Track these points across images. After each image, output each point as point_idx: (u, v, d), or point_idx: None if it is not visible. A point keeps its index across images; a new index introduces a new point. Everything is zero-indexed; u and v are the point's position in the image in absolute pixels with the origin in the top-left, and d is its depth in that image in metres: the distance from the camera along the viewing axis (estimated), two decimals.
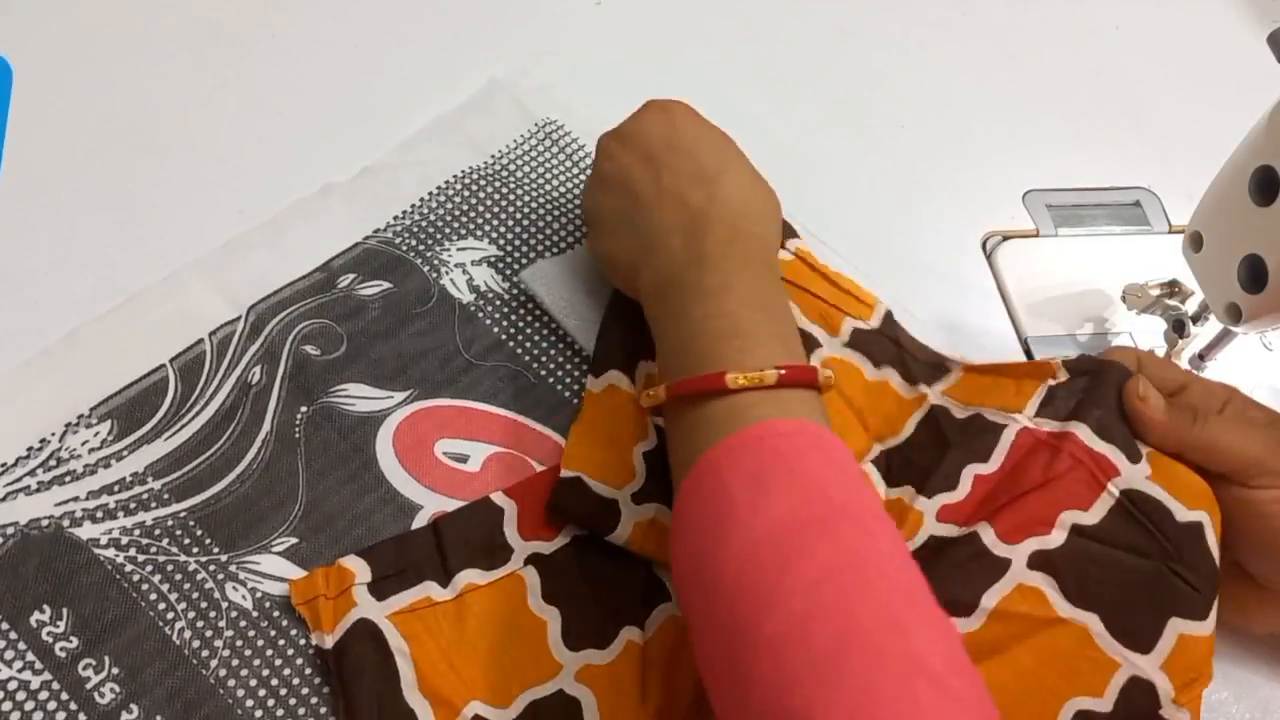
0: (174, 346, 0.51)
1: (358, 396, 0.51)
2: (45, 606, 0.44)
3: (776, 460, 0.38)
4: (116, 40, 0.65)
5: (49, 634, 0.44)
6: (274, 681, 0.44)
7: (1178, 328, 0.55)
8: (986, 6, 0.75)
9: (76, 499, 0.47)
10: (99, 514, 0.47)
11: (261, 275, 0.54)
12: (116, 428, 0.49)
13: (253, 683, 0.44)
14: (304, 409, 0.50)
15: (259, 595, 0.46)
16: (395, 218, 0.57)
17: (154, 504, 0.47)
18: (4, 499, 0.46)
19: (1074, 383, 0.48)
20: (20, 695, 0.43)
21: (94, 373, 0.50)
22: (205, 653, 0.44)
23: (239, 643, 0.45)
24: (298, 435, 0.50)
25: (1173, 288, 0.55)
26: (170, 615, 0.45)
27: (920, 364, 0.53)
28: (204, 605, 0.45)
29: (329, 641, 0.44)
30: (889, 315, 0.54)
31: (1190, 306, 0.55)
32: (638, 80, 0.67)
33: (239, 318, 0.52)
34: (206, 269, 0.54)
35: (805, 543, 0.36)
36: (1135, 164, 0.67)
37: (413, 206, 0.58)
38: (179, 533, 0.47)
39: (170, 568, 0.46)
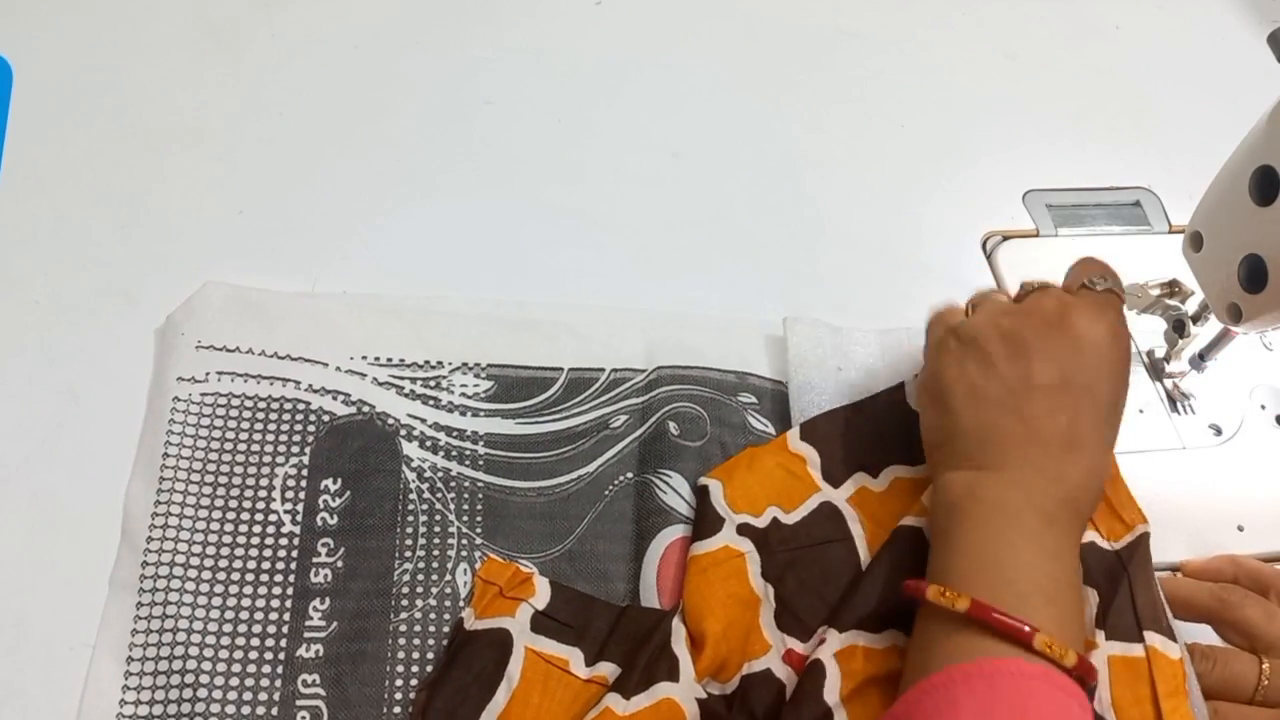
0: (581, 360, 0.54)
1: (671, 488, 0.51)
2: (339, 479, 0.49)
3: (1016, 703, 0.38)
4: (116, 40, 0.65)
5: (324, 501, 0.49)
6: (417, 669, 0.46)
7: (1178, 328, 0.55)
8: (986, 6, 0.75)
9: (424, 420, 0.52)
10: (428, 443, 0.51)
11: (687, 350, 0.55)
12: (495, 390, 0.53)
13: (414, 668, 0.46)
14: (629, 475, 0.51)
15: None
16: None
17: (466, 463, 0.51)
18: (381, 384, 0.52)
19: None
20: (270, 530, 0.48)
21: (510, 340, 0.55)
22: (404, 602, 0.47)
23: (431, 617, 0.47)
24: (607, 493, 0.51)
25: (1173, 288, 0.55)
26: (407, 552, 0.48)
27: None
28: (435, 565, 0.48)
29: (470, 623, 0.46)
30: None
31: (1190, 306, 0.55)
32: (638, 80, 0.68)
33: (645, 371, 0.54)
34: (654, 319, 0.56)
35: None
36: (1135, 164, 0.67)
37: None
38: (465, 496, 0.50)
39: (438, 517, 0.49)
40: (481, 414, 0.52)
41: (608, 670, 0.45)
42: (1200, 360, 0.56)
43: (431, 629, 0.46)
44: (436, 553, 0.48)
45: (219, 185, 0.59)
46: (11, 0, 0.66)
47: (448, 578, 0.48)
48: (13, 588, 0.46)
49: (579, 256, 0.59)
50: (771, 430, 0.53)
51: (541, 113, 0.65)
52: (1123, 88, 0.72)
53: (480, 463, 0.51)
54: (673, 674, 0.43)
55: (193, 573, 0.46)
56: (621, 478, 0.51)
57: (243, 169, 0.60)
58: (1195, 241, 0.50)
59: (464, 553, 0.48)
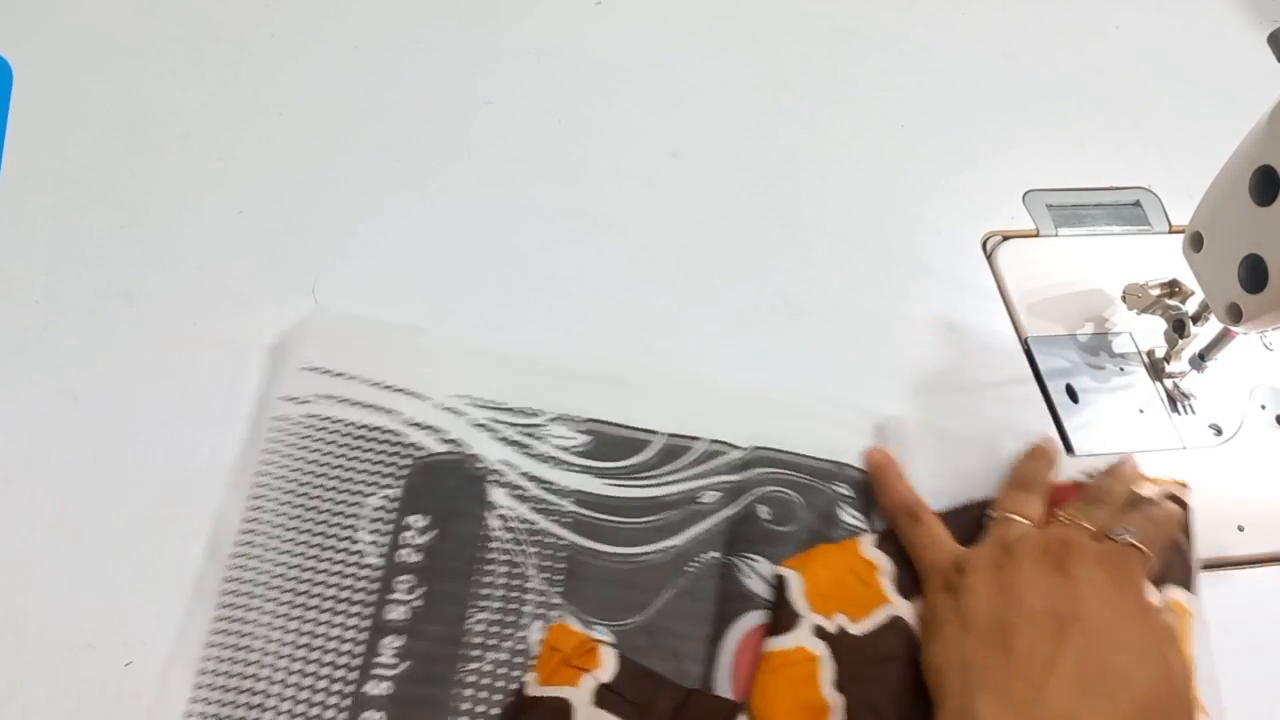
0: (679, 427, 0.53)
1: (756, 573, 0.48)
2: (426, 517, 0.48)
3: None
4: (116, 40, 0.65)
5: (406, 538, 0.48)
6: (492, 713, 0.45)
7: (1178, 328, 0.55)
8: (986, 6, 0.75)
9: (516, 468, 0.51)
10: (518, 492, 0.50)
11: (786, 432, 0.53)
12: (591, 445, 0.52)
13: (479, 708, 0.44)
14: (714, 554, 0.49)
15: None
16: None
17: (553, 519, 0.50)
18: (478, 425, 0.51)
19: None
20: (351, 560, 0.47)
21: (610, 397, 0.53)
22: (475, 652, 0.46)
23: (500, 671, 0.45)
24: (689, 569, 0.49)
25: (1173, 288, 0.55)
26: (483, 601, 0.47)
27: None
28: (510, 619, 0.47)
29: (532, 689, 0.44)
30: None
31: (1190, 306, 0.55)
32: (637, 80, 0.68)
33: (742, 448, 0.52)
34: (754, 396, 0.54)
35: None
36: (1135, 164, 0.67)
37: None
38: (548, 555, 0.48)
39: (517, 573, 0.48)
40: (575, 469, 0.51)
41: None
42: (1200, 360, 0.56)
43: (499, 684, 0.45)
44: (513, 606, 0.47)
45: (219, 185, 0.59)
46: (11, 0, 0.66)
47: (521, 634, 0.46)
48: (13, 588, 0.46)
49: (579, 256, 0.59)
50: (864, 525, 0.50)
51: (540, 113, 0.65)
52: (1123, 88, 0.72)
53: (568, 520, 0.50)
54: None
55: (273, 594, 0.46)
56: (706, 555, 0.49)
57: (243, 169, 0.60)
58: (1195, 241, 0.50)
59: (540, 610, 0.47)
